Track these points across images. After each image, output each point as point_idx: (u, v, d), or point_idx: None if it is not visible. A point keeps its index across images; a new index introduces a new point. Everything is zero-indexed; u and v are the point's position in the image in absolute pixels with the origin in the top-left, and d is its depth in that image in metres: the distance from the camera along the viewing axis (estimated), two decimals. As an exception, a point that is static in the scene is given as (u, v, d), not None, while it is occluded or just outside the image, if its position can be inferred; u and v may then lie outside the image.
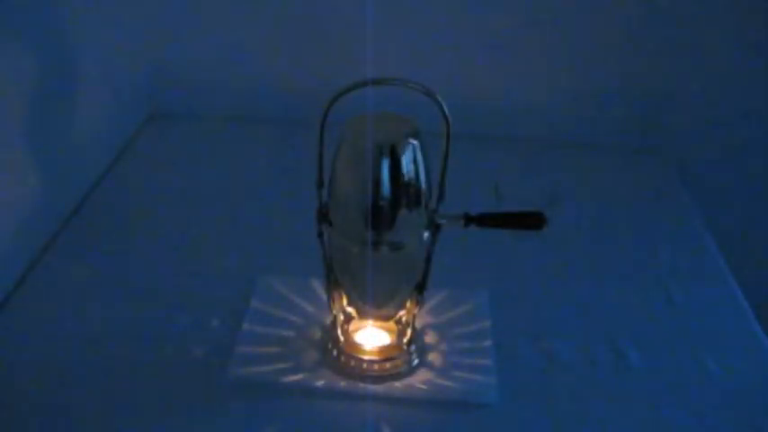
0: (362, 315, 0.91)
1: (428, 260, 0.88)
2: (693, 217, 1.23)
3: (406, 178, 0.81)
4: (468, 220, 0.86)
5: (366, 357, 0.91)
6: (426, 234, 0.85)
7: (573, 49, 1.34)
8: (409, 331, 0.91)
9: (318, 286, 0.99)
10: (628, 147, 1.38)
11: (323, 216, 0.85)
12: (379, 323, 0.93)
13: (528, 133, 1.37)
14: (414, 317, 0.91)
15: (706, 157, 1.39)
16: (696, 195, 1.28)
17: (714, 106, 1.36)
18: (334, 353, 0.91)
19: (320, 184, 0.84)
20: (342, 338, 0.91)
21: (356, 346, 0.92)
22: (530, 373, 0.93)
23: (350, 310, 0.91)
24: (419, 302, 0.90)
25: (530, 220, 0.88)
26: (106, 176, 1.24)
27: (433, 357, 0.93)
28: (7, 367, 0.90)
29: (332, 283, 0.89)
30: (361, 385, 0.89)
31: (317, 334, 0.95)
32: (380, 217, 0.81)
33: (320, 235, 0.87)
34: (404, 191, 0.81)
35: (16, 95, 1.00)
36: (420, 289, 0.89)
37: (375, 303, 0.89)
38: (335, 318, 0.91)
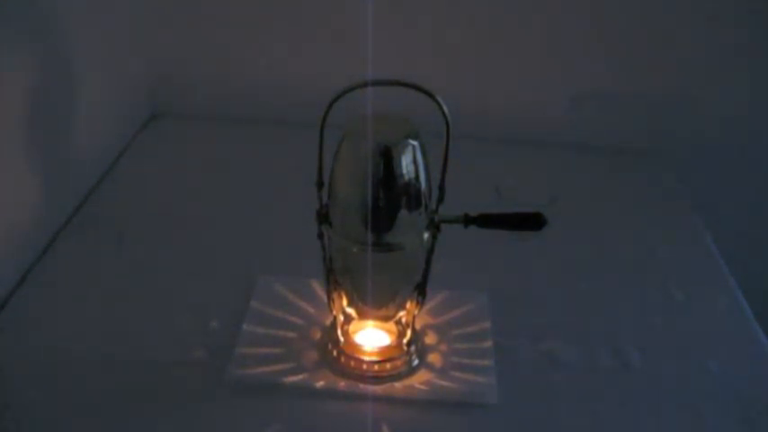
0: (362, 316, 0.91)
1: (428, 261, 0.88)
2: (693, 217, 1.23)
3: (405, 179, 0.81)
4: (468, 220, 0.86)
5: (366, 358, 0.91)
6: (426, 235, 0.85)
7: (573, 51, 1.34)
8: (409, 332, 0.91)
9: (318, 287, 0.99)
10: (628, 147, 1.38)
11: (323, 217, 0.85)
12: (378, 324, 0.93)
13: (528, 134, 1.37)
14: (414, 317, 0.91)
15: (706, 158, 1.39)
16: (696, 196, 1.28)
17: (715, 107, 1.36)
18: (334, 353, 0.91)
19: (320, 185, 0.84)
20: (342, 339, 0.91)
21: (356, 347, 0.92)
22: (530, 374, 0.93)
23: (350, 310, 0.90)
24: (419, 303, 0.90)
25: (530, 221, 0.88)
26: (107, 176, 1.24)
27: (432, 358, 0.93)
28: (7, 367, 0.90)
29: (332, 284, 0.89)
30: (361, 386, 0.89)
31: (317, 335, 0.95)
32: (380, 218, 0.81)
33: (320, 236, 0.87)
34: (403, 192, 0.81)
35: (17, 96, 1.00)
36: (420, 290, 0.89)
37: (375, 304, 0.89)
38: (335, 318, 0.91)
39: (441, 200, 0.85)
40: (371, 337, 0.93)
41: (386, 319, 0.92)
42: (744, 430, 0.88)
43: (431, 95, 0.79)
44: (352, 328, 0.93)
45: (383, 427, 0.85)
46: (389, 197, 0.81)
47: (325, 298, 0.93)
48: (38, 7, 1.03)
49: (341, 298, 0.90)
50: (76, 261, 1.06)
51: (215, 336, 0.95)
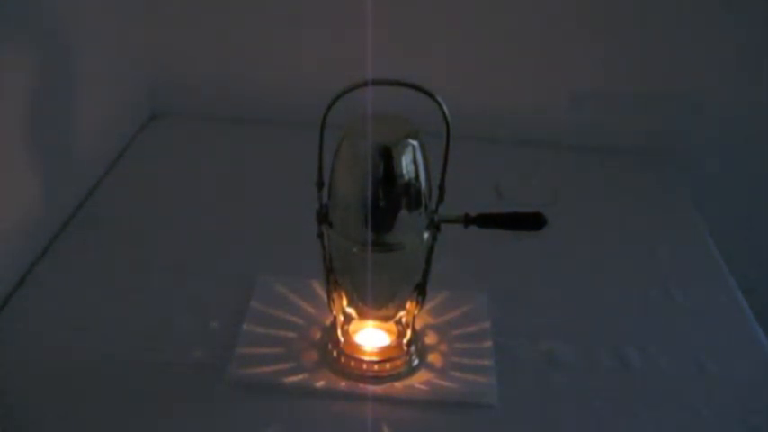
0: (362, 316, 0.91)
1: (428, 261, 0.88)
2: (693, 217, 1.23)
3: (405, 179, 0.81)
4: (469, 220, 0.86)
5: (366, 358, 0.91)
6: (426, 235, 0.85)
7: (573, 51, 1.34)
8: (409, 332, 0.91)
9: (318, 287, 0.99)
10: (628, 147, 1.38)
11: (323, 217, 0.85)
12: (378, 324, 0.93)
13: (528, 134, 1.37)
14: (414, 317, 0.91)
15: (706, 158, 1.39)
16: (696, 196, 1.28)
17: (715, 107, 1.36)
18: (335, 353, 0.91)
19: (320, 185, 0.84)
20: (342, 339, 0.91)
21: (356, 347, 0.92)
22: (529, 374, 0.93)
23: (350, 310, 0.91)
24: (419, 303, 0.90)
25: (530, 221, 0.88)
26: (107, 177, 1.24)
27: (432, 358, 0.93)
28: (7, 368, 0.90)
29: (332, 284, 0.89)
30: (361, 386, 0.89)
31: (317, 335, 0.95)
32: (380, 218, 0.82)
33: (320, 236, 0.87)
34: (403, 192, 0.81)
35: (17, 95, 1.00)
36: (420, 290, 0.89)
37: (375, 304, 0.89)
38: (335, 318, 0.91)
39: (441, 200, 0.85)
40: (371, 337, 0.93)
41: (386, 319, 0.92)
42: (743, 430, 0.88)
43: (431, 95, 0.79)
44: (352, 328, 0.93)
45: (383, 427, 0.85)
46: (389, 197, 0.81)
47: (325, 298, 0.93)
48: (38, 7, 1.03)
49: (341, 298, 0.90)
50: (76, 261, 1.06)
51: (215, 336, 0.95)
